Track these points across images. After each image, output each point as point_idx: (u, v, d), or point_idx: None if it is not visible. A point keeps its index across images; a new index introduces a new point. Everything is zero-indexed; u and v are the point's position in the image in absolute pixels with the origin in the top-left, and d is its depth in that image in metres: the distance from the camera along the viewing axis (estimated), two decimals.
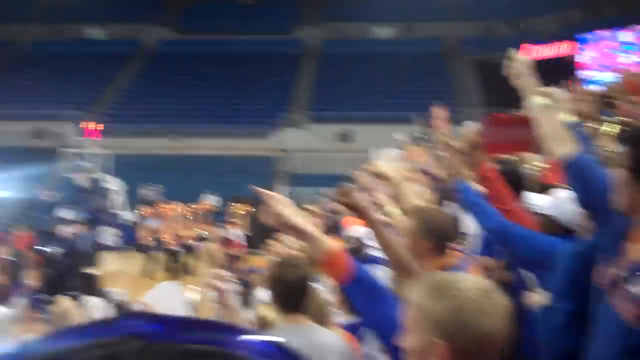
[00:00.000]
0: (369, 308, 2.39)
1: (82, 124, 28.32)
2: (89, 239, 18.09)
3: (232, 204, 24.31)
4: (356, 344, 3.75)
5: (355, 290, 2.39)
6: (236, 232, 18.73)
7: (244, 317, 6.80)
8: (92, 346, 0.59)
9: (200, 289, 9.13)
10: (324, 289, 4.32)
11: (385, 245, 2.90)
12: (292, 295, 3.30)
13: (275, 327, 3.58)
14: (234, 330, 0.70)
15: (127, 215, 25.61)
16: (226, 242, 18.62)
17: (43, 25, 41.94)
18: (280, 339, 0.68)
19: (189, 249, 20.12)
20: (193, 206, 23.16)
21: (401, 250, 2.91)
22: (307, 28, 41.64)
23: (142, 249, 20.06)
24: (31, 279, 15.14)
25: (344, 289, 2.45)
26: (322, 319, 3.70)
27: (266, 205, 2.34)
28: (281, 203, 2.36)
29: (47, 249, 17.07)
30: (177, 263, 19.54)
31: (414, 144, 13.01)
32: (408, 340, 1.79)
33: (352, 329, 4.03)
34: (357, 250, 6.12)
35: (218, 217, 24.06)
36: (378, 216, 3.14)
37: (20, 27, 41.11)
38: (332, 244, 2.48)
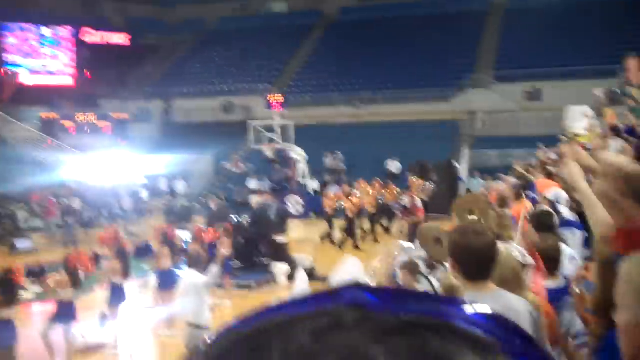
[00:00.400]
0: None
1: (269, 97, 29.10)
2: (277, 207, 18.46)
3: (412, 173, 24.05)
4: (551, 308, 3.74)
5: None
6: (415, 200, 18.38)
7: (428, 284, 6.64)
8: (313, 315, 0.61)
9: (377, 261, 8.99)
10: (519, 252, 4.05)
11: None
12: (477, 262, 3.14)
13: (462, 294, 3.52)
14: (451, 301, 0.67)
15: (311, 184, 26.02)
16: (406, 210, 18.34)
17: (229, 3, 43.55)
18: (497, 312, 0.66)
19: (370, 217, 20.07)
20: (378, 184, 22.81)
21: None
22: None
23: (325, 216, 20.23)
24: (223, 247, 15.71)
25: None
26: (516, 283, 3.53)
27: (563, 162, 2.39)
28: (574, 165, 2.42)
29: (238, 218, 17.65)
30: (356, 230, 19.58)
31: (610, 100, 11.99)
32: (621, 316, 1.75)
33: (553, 294, 4.06)
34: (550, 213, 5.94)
35: (401, 183, 23.86)
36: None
37: (208, 5, 43.00)
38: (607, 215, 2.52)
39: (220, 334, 0.62)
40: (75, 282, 9.43)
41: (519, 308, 3.10)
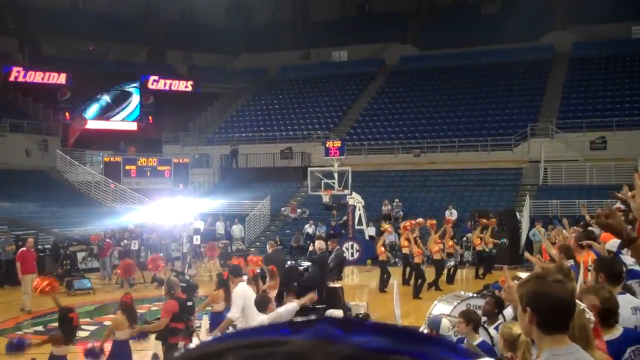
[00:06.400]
0: None
1: (328, 143, 29.11)
2: (333, 253, 18.24)
3: (477, 218, 23.52)
4: None
5: None
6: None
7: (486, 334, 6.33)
8: (282, 342, 0.62)
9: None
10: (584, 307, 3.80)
11: None
12: (560, 313, 2.87)
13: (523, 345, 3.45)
14: (437, 342, 0.65)
15: (368, 231, 25.83)
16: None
17: (291, 52, 44.13)
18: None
19: (427, 263, 19.63)
20: (434, 221, 22.52)
21: None
22: (557, 32, 39.40)
23: (381, 263, 19.88)
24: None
25: None
26: (585, 341, 3.30)
27: None
28: None
29: (293, 263, 17.48)
30: (412, 277, 19.19)
31: None
32: None
33: (611, 347, 3.89)
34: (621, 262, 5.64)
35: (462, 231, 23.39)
36: None
37: (270, 54, 43.63)
38: None
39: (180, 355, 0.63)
40: (132, 322, 9.37)
41: None
